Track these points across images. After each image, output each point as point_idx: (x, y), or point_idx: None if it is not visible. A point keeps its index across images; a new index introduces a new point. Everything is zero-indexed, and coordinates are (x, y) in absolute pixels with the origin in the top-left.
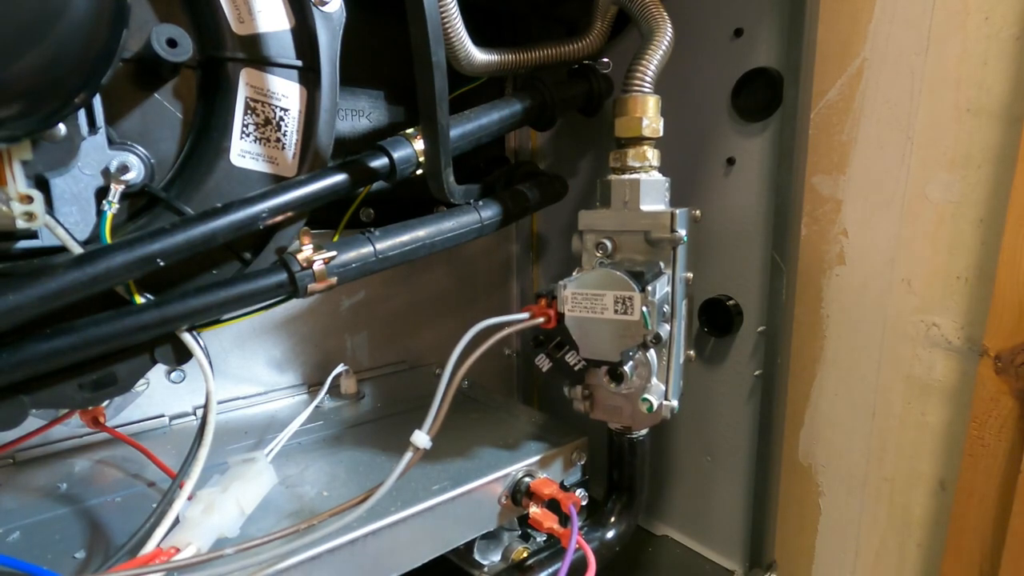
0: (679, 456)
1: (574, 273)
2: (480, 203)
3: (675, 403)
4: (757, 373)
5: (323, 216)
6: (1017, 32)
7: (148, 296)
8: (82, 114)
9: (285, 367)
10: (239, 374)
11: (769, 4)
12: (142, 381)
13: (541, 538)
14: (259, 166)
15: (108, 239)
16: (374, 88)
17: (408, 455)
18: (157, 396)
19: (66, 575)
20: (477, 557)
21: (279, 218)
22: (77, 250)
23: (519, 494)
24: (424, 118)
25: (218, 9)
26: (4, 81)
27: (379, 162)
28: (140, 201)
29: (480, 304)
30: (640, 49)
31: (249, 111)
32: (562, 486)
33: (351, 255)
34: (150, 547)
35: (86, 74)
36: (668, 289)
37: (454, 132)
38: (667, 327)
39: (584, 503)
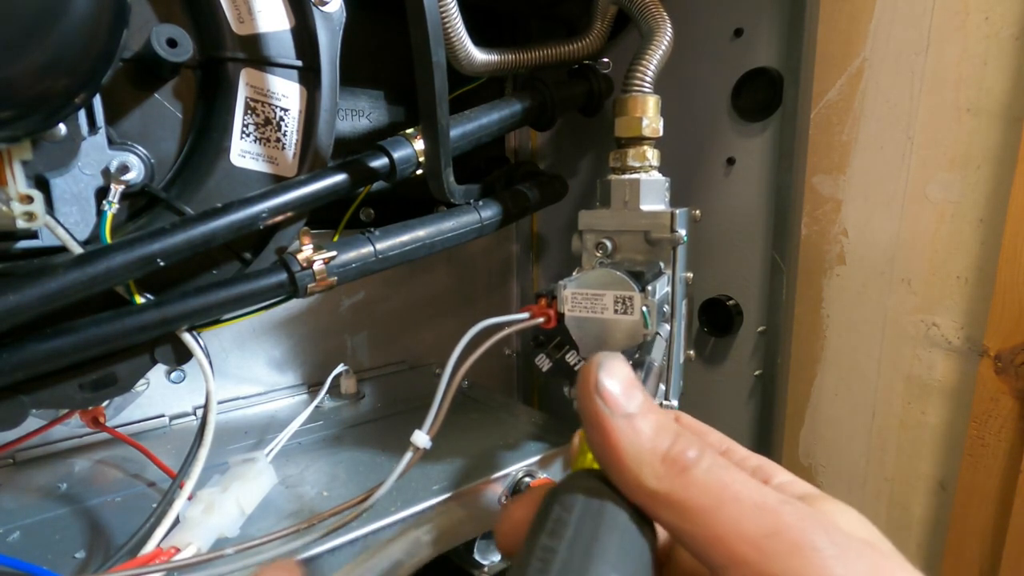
0: None
1: (574, 273)
2: (480, 203)
3: (675, 403)
4: (757, 373)
5: (323, 216)
6: (1017, 32)
7: (148, 296)
8: (82, 114)
9: (285, 367)
10: (239, 374)
11: (769, 4)
12: (142, 381)
13: None
14: (259, 166)
15: (108, 239)
16: (374, 88)
17: (408, 455)
18: (157, 396)
19: (66, 575)
20: (477, 557)
21: (279, 218)
22: (77, 250)
23: (519, 494)
24: (424, 118)
25: (218, 9)
26: (4, 81)
27: (379, 162)
28: (140, 201)
29: (480, 304)
30: (640, 49)
31: (249, 111)
32: None
33: (351, 255)
34: (150, 547)
35: (86, 74)
36: (668, 289)
37: (454, 132)
38: (667, 327)
39: None
